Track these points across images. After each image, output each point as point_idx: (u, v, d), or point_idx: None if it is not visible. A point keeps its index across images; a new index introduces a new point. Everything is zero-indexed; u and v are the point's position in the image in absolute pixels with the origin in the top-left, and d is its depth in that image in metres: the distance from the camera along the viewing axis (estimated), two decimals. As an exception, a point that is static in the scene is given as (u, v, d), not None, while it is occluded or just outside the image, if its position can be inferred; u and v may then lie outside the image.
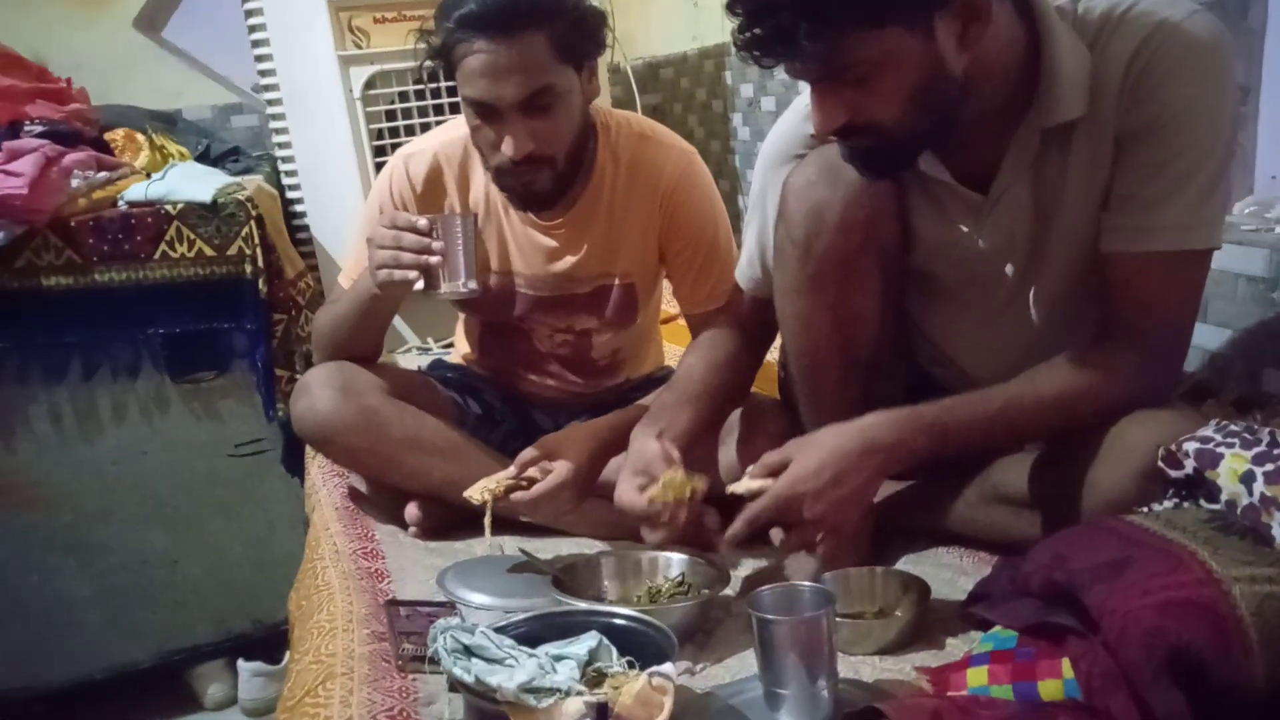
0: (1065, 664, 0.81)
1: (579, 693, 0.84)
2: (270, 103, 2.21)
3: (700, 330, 1.37)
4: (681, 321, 1.59)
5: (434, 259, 1.25)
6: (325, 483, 1.63)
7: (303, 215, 2.25)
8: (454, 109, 2.07)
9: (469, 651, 0.88)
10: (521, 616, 1.01)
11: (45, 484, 2.08)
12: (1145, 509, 0.93)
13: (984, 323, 1.18)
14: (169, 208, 2.01)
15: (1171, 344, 1.06)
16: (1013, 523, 1.17)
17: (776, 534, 1.09)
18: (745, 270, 1.30)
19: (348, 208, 2.07)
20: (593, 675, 0.88)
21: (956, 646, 1.02)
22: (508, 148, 1.28)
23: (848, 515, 1.06)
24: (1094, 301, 1.10)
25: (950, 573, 1.20)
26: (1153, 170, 1.00)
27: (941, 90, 0.97)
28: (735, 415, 1.39)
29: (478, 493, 1.25)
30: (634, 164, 1.43)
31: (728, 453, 1.37)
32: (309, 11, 2.08)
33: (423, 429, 1.40)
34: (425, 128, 2.09)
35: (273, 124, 2.24)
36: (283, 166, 2.25)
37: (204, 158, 2.34)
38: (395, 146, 1.82)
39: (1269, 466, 0.84)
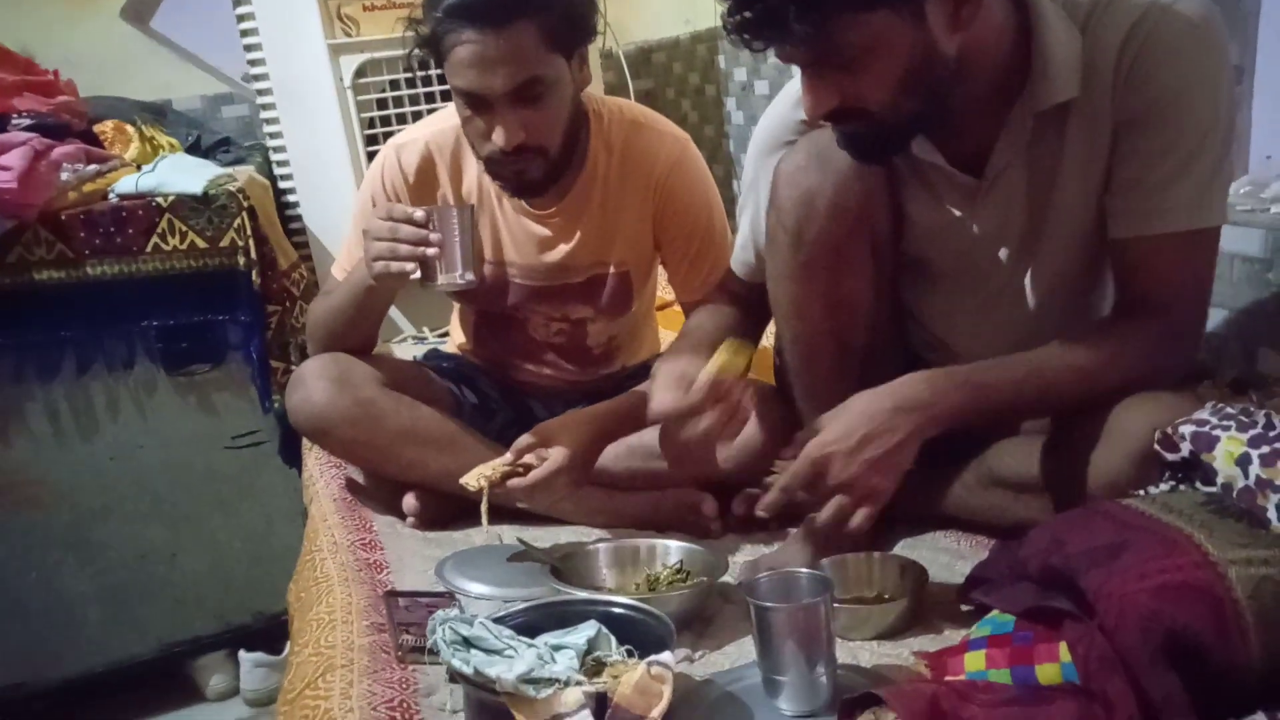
0: (1062, 648, 0.81)
1: (578, 682, 0.85)
2: (261, 93, 2.19)
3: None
4: (677, 308, 1.59)
5: (431, 251, 1.24)
6: (323, 474, 1.63)
7: (295, 205, 2.24)
8: (445, 97, 2.05)
9: (468, 642, 0.88)
10: (520, 606, 1.01)
11: (43, 482, 2.07)
12: (1141, 492, 0.93)
13: (978, 307, 1.18)
14: (160, 200, 2.00)
15: (1191, 318, 1.06)
16: (1010, 506, 1.17)
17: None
18: (739, 256, 1.30)
19: (341, 197, 2.06)
20: (591, 664, 0.89)
21: (954, 631, 1.02)
22: (498, 138, 1.27)
23: (884, 479, 0.99)
24: (1089, 286, 1.10)
25: (948, 557, 1.20)
26: (1159, 153, 1.00)
27: (933, 73, 0.97)
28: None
29: (474, 479, 1.25)
30: (627, 152, 1.42)
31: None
32: (298, -1, 2.06)
33: (419, 420, 1.40)
34: (417, 116, 2.08)
35: (264, 114, 2.22)
36: (274, 157, 2.24)
37: (194, 149, 2.32)
38: (387, 135, 1.82)
39: (1265, 449, 0.84)
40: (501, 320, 1.55)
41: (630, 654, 0.90)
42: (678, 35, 2.77)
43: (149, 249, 2.00)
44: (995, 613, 0.92)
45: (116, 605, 2.15)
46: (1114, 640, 0.76)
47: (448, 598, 1.16)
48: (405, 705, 0.97)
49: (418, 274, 1.27)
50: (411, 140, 1.47)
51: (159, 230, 2.00)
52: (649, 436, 1.40)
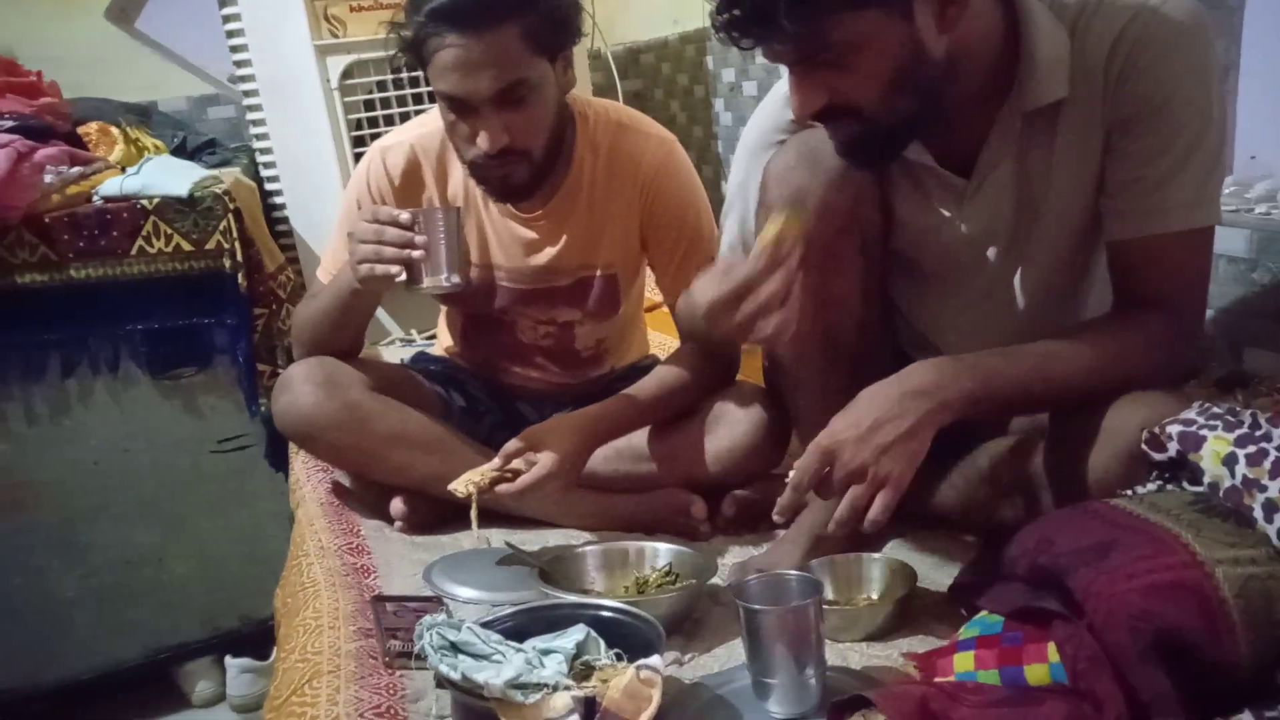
0: (1051, 648, 0.81)
1: (566, 687, 0.84)
2: (247, 94, 2.18)
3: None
4: (665, 310, 1.59)
5: (416, 253, 1.24)
6: (309, 478, 1.62)
7: (282, 207, 2.23)
8: (433, 99, 2.03)
9: (455, 648, 0.88)
10: (508, 610, 1.00)
11: (28, 484, 2.06)
12: (1129, 492, 0.93)
13: (967, 307, 1.18)
14: (145, 202, 1.98)
15: (1192, 315, 1.06)
16: (998, 507, 1.17)
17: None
18: (727, 257, 1.29)
19: (328, 199, 2.05)
20: (580, 669, 0.88)
21: (943, 632, 1.02)
22: (482, 142, 1.26)
23: (898, 464, 0.95)
24: (1078, 286, 1.10)
25: (936, 558, 1.20)
26: (1154, 153, 1.00)
27: (922, 73, 0.97)
28: (720, 405, 1.39)
29: (462, 485, 1.25)
30: (613, 153, 1.42)
31: (715, 442, 1.37)
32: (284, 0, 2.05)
33: (407, 423, 1.39)
34: (405, 117, 2.07)
35: (250, 115, 2.21)
36: (261, 158, 2.23)
37: (180, 150, 2.31)
38: (374, 136, 1.81)
39: (1251, 448, 0.84)
40: (489, 323, 1.55)
41: (619, 657, 0.89)
42: (666, 36, 2.77)
43: (134, 252, 1.99)
44: (984, 613, 0.92)
45: (103, 609, 2.14)
46: (1102, 640, 0.76)
47: (435, 602, 1.16)
48: (392, 711, 0.96)
49: (403, 276, 1.26)
50: (397, 143, 1.46)
51: (144, 233, 1.99)
52: (637, 439, 1.40)
